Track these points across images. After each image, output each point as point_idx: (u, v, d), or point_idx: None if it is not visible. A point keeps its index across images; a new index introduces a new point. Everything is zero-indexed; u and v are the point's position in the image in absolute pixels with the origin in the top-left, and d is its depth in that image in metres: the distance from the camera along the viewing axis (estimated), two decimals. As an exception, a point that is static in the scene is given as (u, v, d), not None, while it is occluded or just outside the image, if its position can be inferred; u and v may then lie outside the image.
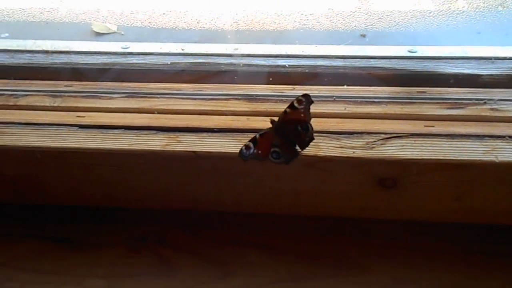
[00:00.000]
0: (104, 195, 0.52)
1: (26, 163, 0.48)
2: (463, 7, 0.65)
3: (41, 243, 0.52)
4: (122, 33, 0.66)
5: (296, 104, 0.45)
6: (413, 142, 0.44)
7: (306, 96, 0.45)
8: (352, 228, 0.50)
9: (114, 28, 0.67)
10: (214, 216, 0.52)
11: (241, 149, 0.43)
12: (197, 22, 0.62)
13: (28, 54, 0.59)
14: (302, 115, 0.45)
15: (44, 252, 0.51)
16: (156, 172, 0.48)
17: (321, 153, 0.44)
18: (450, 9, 0.64)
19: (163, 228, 0.52)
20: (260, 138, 0.44)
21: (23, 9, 0.69)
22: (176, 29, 0.65)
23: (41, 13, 0.68)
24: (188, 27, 0.62)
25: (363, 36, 0.63)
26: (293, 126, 0.45)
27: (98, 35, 0.66)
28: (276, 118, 0.46)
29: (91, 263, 0.50)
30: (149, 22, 0.67)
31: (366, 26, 0.62)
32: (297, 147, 0.45)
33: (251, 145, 0.44)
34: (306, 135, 0.44)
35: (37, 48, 0.59)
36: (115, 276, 0.49)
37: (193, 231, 0.52)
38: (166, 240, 0.52)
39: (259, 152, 0.44)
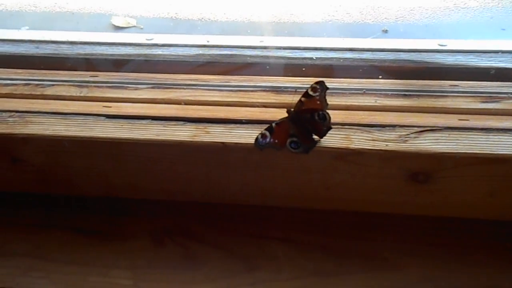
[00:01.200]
0: (129, 186, 0.51)
1: (53, 153, 0.48)
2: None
3: (65, 234, 0.51)
4: (141, 27, 0.66)
5: (311, 92, 0.44)
6: (447, 135, 0.43)
7: (320, 83, 0.44)
8: (381, 223, 0.49)
9: (133, 22, 0.66)
10: (239, 209, 0.52)
11: (257, 138, 0.43)
12: (224, 13, 0.61)
13: (53, 45, 0.59)
14: (318, 102, 0.44)
15: (69, 243, 0.50)
16: (183, 163, 0.47)
17: (353, 145, 0.43)
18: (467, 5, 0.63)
19: (188, 221, 0.52)
20: (277, 127, 0.44)
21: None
22: (201, 20, 0.65)
23: (60, 7, 0.69)
24: (214, 18, 0.62)
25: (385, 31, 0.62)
26: (310, 115, 0.44)
27: (118, 29, 0.66)
28: (292, 108, 0.45)
29: (115, 254, 0.49)
30: (170, 16, 0.67)
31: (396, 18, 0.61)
32: (315, 136, 0.44)
33: (267, 133, 0.43)
34: (324, 124, 0.44)
35: (62, 39, 0.59)
36: (140, 267, 0.48)
37: (218, 224, 0.51)
38: (190, 233, 0.51)
39: (276, 141, 0.43)
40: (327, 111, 0.44)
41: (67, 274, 0.48)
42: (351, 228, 0.49)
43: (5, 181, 0.52)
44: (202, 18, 0.65)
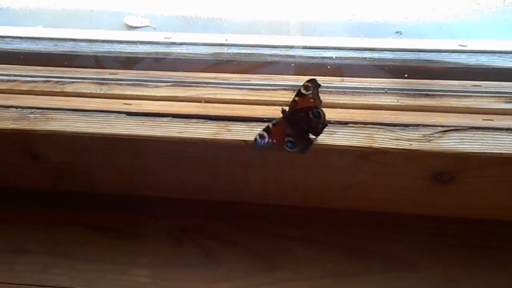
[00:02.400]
0: (147, 184, 0.51)
1: (73, 150, 0.48)
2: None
3: (84, 231, 0.51)
4: (155, 26, 0.66)
5: (303, 91, 0.44)
6: (472, 135, 0.43)
7: (312, 81, 0.44)
8: (401, 224, 0.49)
9: (146, 22, 0.66)
10: (257, 208, 0.51)
11: (256, 138, 0.43)
12: (238, 13, 0.61)
13: (71, 43, 0.59)
14: (311, 100, 0.44)
15: (88, 240, 0.50)
16: (203, 161, 0.47)
17: (376, 144, 0.43)
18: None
19: (206, 220, 0.52)
20: (273, 127, 0.44)
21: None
22: (217, 20, 0.65)
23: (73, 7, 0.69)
24: (228, 18, 0.62)
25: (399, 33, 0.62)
26: (304, 114, 0.44)
27: (131, 28, 0.66)
28: (287, 108, 0.45)
29: (134, 252, 0.49)
30: (183, 16, 0.67)
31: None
32: (311, 135, 0.44)
33: (265, 134, 0.43)
34: (319, 122, 0.44)
35: (80, 37, 0.59)
36: (159, 265, 0.48)
37: (236, 223, 0.51)
38: (208, 232, 0.51)
39: (274, 141, 0.43)
40: (322, 108, 0.44)
41: (86, 271, 0.48)
42: (371, 228, 0.49)
43: (24, 178, 0.52)
44: (217, 18, 0.66)
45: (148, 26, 0.66)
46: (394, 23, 0.63)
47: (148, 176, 0.50)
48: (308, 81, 0.44)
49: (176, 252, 0.49)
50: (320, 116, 0.44)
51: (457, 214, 0.47)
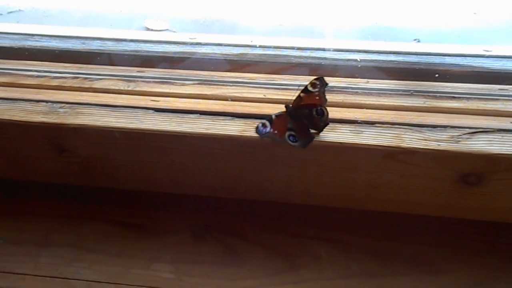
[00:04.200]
0: (171, 181, 0.52)
1: (100, 144, 0.49)
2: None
3: (107, 226, 0.51)
4: (174, 30, 0.67)
5: (310, 88, 0.45)
6: (500, 137, 0.43)
7: (320, 79, 0.45)
8: (427, 226, 0.49)
9: (166, 25, 0.67)
10: (280, 207, 0.51)
11: (258, 126, 0.44)
12: (258, 17, 0.62)
13: (98, 41, 0.60)
14: (317, 98, 0.45)
15: (111, 235, 0.51)
16: (229, 158, 0.48)
17: (404, 144, 0.43)
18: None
19: (228, 217, 0.52)
20: (276, 119, 0.45)
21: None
22: (235, 25, 0.66)
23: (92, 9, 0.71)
24: (247, 22, 0.63)
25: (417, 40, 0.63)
26: (308, 110, 0.45)
27: (151, 31, 0.67)
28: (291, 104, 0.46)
29: (157, 248, 0.50)
30: (202, 20, 0.68)
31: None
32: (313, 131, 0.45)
33: (268, 123, 0.44)
34: (321, 120, 0.44)
35: (107, 36, 0.61)
36: (182, 262, 0.48)
37: (259, 221, 0.51)
38: (231, 230, 0.51)
39: (275, 132, 0.44)
40: (326, 107, 0.45)
41: (109, 265, 0.48)
42: (396, 230, 0.49)
43: (50, 172, 0.53)
44: (237, 23, 0.67)
45: (168, 29, 0.67)
46: (411, 30, 0.64)
47: (172, 173, 0.51)
48: (316, 79, 0.45)
49: (199, 249, 0.50)
50: (323, 114, 0.45)
51: (483, 217, 0.47)
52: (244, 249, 0.49)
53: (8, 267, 0.48)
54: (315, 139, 0.44)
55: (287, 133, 0.44)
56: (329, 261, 0.48)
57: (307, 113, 0.45)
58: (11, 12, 0.74)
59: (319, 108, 0.45)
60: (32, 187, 0.54)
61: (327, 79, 0.52)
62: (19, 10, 0.75)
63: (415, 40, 0.63)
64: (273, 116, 0.45)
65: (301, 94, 0.46)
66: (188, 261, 0.49)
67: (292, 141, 0.44)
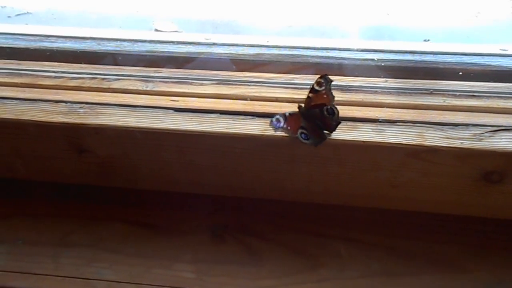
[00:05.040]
0: (191, 181, 0.52)
1: (120, 144, 0.49)
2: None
3: (127, 227, 0.51)
4: (183, 31, 0.67)
5: (316, 87, 0.46)
6: (523, 135, 0.43)
7: (324, 76, 0.45)
8: (448, 225, 0.49)
9: (175, 27, 0.68)
10: (300, 207, 0.52)
11: (272, 120, 0.45)
12: (267, 19, 0.63)
13: (114, 42, 0.60)
14: (325, 96, 0.45)
15: (131, 235, 0.51)
16: (249, 157, 0.48)
17: (427, 142, 0.43)
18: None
19: (248, 217, 0.52)
20: (290, 117, 0.45)
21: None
22: (243, 27, 0.66)
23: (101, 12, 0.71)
24: (261, 25, 0.63)
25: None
26: (319, 110, 0.45)
27: (166, 32, 0.67)
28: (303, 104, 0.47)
29: (177, 248, 0.50)
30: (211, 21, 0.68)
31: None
32: (325, 131, 0.45)
33: (281, 118, 0.45)
34: (333, 119, 0.45)
35: (123, 37, 0.61)
36: (202, 262, 0.48)
37: (278, 221, 0.51)
38: (251, 230, 0.51)
39: (289, 127, 0.45)
40: (336, 106, 0.45)
41: (130, 265, 0.48)
42: (418, 229, 0.49)
43: (69, 173, 0.53)
44: (247, 25, 0.67)
45: (176, 31, 0.68)
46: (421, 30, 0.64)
47: (192, 172, 0.51)
48: (320, 77, 0.46)
49: (219, 249, 0.50)
50: (334, 113, 0.45)
51: (504, 215, 0.47)
52: (264, 248, 0.49)
53: (28, 267, 0.48)
54: (336, 138, 0.44)
55: (300, 131, 0.45)
56: (349, 260, 0.48)
57: (318, 113, 0.45)
58: (19, 14, 0.75)
59: (329, 107, 0.45)
60: (51, 188, 0.54)
61: (346, 78, 0.52)
62: (27, 13, 0.75)
63: (425, 40, 0.63)
64: (287, 114, 0.45)
65: (310, 95, 0.46)
66: (208, 261, 0.49)
67: (304, 139, 0.44)
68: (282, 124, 0.45)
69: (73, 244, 0.50)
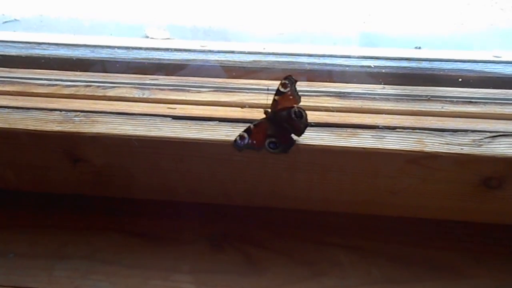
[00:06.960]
0: (188, 190, 0.51)
1: (117, 153, 0.48)
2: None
3: (123, 237, 0.50)
4: (174, 38, 0.66)
5: (282, 89, 0.45)
6: (521, 140, 0.43)
7: (288, 77, 0.45)
8: (448, 231, 0.49)
9: (167, 34, 0.67)
10: (298, 214, 0.51)
11: (236, 139, 0.43)
12: (258, 27, 0.63)
13: (108, 49, 0.59)
14: (290, 97, 0.45)
15: (127, 246, 0.49)
16: (248, 165, 0.47)
17: (427, 149, 0.43)
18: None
19: (246, 226, 0.51)
20: (255, 128, 0.44)
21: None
22: (235, 34, 0.66)
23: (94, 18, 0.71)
24: (252, 33, 0.63)
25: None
26: (286, 113, 0.44)
27: (160, 40, 0.67)
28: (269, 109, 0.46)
29: (175, 258, 0.48)
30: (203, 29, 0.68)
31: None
32: (293, 135, 0.44)
33: (245, 135, 0.44)
34: (301, 122, 0.44)
35: (117, 44, 0.60)
36: (201, 272, 0.47)
37: (278, 229, 0.51)
38: (250, 238, 0.50)
39: (254, 142, 0.44)
40: (303, 109, 0.44)
41: (127, 277, 0.47)
42: (418, 236, 0.49)
43: (63, 183, 0.51)
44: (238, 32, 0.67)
45: (169, 38, 0.67)
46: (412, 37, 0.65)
47: (189, 181, 0.50)
48: (285, 78, 0.45)
49: (218, 258, 0.49)
50: (302, 116, 0.44)
51: (504, 220, 0.47)
52: (264, 257, 0.49)
53: (21, 281, 0.47)
54: (336, 145, 0.44)
55: (267, 141, 0.44)
56: (351, 268, 0.47)
57: (286, 116, 0.44)
58: (6, 22, 0.74)
59: (297, 110, 0.44)
60: (44, 198, 0.53)
61: (346, 85, 0.52)
62: (15, 20, 0.74)
63: (416, 47, 0.64)
64: (252, 126, 0.44)
65: (276, 97, 0.45)
66: (207, 271, 0.48)
67: (273, 148, 0.44)
68: (246, 140, 0.43)
69: (68, 256, 0.48)
